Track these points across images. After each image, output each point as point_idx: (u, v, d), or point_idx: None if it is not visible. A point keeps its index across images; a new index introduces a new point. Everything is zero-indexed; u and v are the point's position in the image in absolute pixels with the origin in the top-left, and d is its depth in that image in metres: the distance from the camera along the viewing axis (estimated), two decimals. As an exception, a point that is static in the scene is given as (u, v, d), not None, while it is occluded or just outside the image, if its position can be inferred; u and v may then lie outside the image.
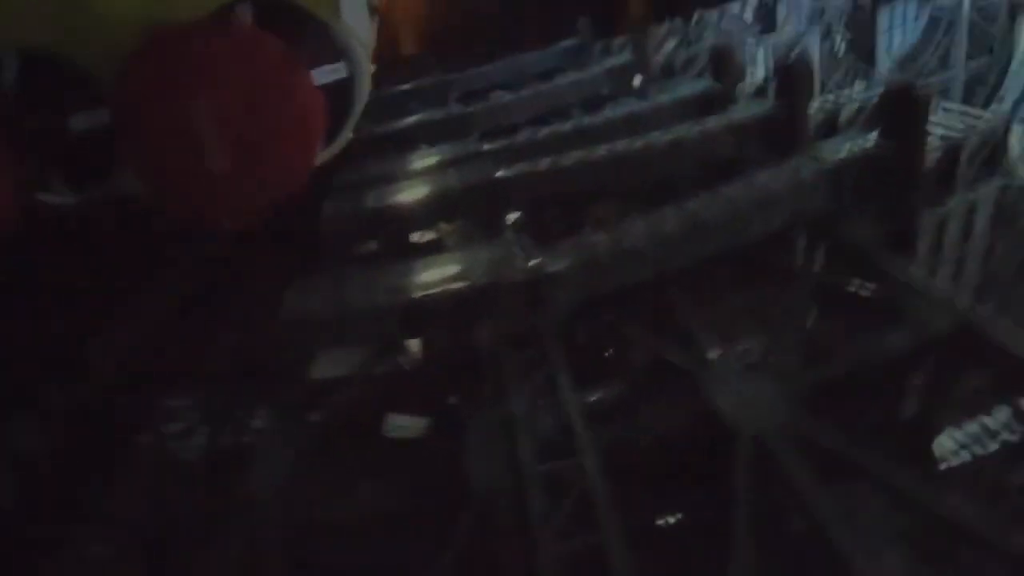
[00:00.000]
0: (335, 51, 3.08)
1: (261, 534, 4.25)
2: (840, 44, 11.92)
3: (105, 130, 2.86)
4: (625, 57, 13.12)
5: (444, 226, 8.33)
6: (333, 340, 5.62)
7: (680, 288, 6.18)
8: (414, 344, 6.00)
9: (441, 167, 8.99)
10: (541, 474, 4.02)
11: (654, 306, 5.69)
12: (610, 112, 10.44)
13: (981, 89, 8.74)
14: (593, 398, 5.45)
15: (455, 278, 6.29)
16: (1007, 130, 7.46)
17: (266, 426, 5.03)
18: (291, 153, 2.81)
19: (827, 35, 12.14)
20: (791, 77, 10.05)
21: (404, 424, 5.22)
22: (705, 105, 11.71)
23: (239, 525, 4.29)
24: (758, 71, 12.78)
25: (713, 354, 5.12)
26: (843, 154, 7.82)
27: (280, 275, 5.12)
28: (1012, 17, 8.68)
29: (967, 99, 8.75)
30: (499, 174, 8.55)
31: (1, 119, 2.61)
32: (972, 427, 5.26)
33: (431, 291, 6.12)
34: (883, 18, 11.06)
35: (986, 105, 8.16)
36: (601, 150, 9.35)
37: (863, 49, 11.13)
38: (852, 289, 5.94)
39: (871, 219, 6.63)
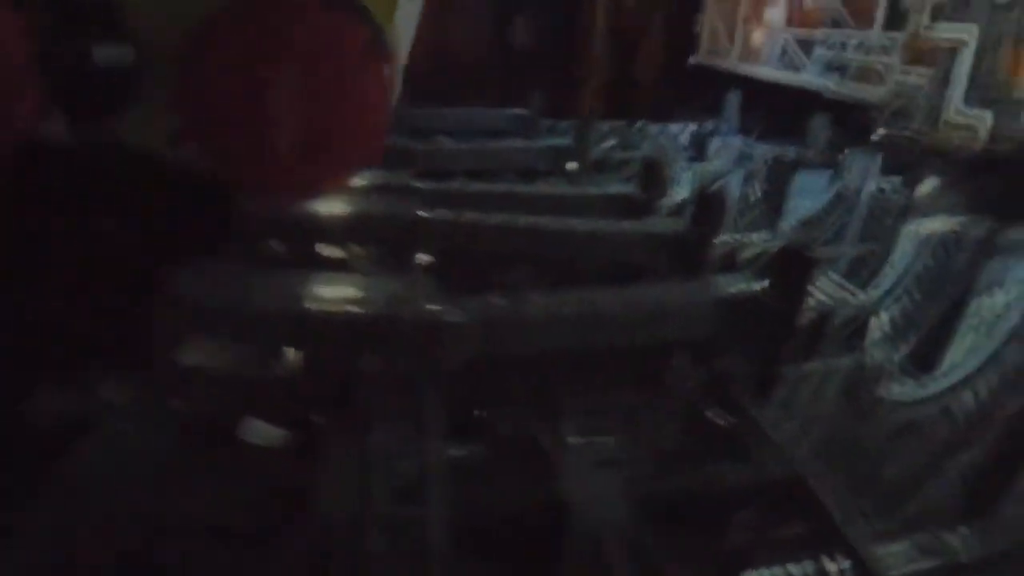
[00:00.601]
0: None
1: (73, 515, 4.04)
2: (757, 192, 12.99)
3: (126, 68, 2.78)
4: (567, 141, 13.74)
5: (355, 248, 8.33)
6: (212, 330, 5.50)
7: (562, 371, 6.44)
8: (294, 354, 5.93)
9: (367, 191, 9.04)
10: (385, 515, 4.07)
11: (534, 381, 5.90)
12: (540, 187, 10.89)
13: (863, 271, 9.73)
14: (455, 455, 5.54)
15: (352, 301, 6.30)
16: (872, 314, 8.35)
17: (116, 399, 4.81)
18: (364, 133, 2.76)
19: (748, 180, 13.22)
20: (709, 205, 10.83)
21: (262, 431, 5.12)
22: (626, 208, 12.39)
23: (52, 500, 4.07)
24: (681, 192, 13.70)
25: (574, 441, 5.36)
26: (735, 290, 8.47)
27: (180, 255, 4.99)
28: (900, 216, 9.81)
29: (849, 275, 9.71)
30: (421, 214, 8.70)
31: (24, 34, 2.46)
32: (777, 572, 5.69)
33: (324, 307, 6.10)
34: (797, 180, 12.18)
35: (863, 286, 9.12)
36: (522, 220, 9.71)
37: (774, 203, 12.18)
38: (712, 416, 6.37)
39: (743, 357, 7.18)
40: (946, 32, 9.21)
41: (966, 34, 8.78)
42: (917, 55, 9.97)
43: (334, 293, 6.35)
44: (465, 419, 6.37)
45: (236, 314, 5.43)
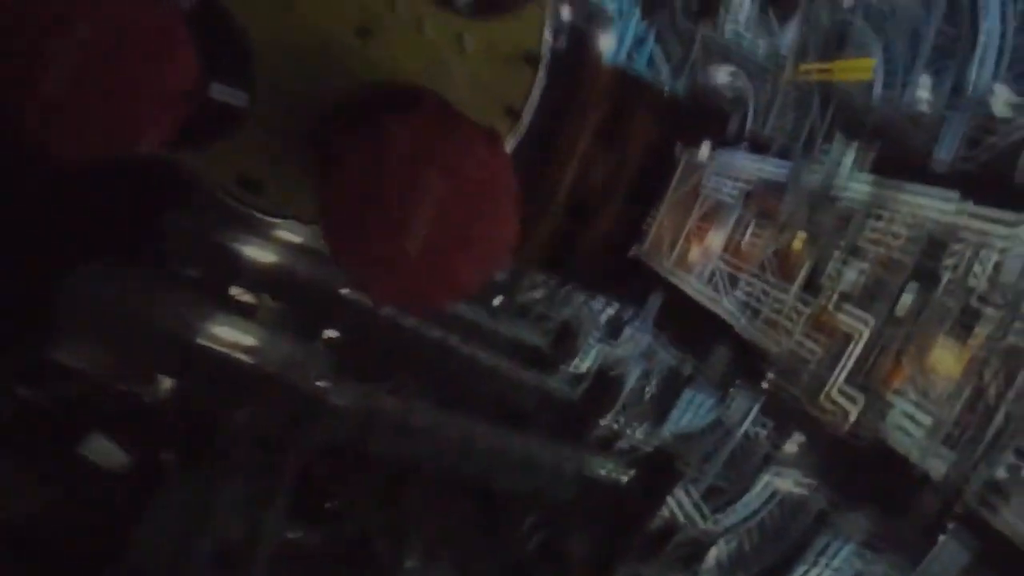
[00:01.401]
0: None
1: None
2: (650, 390, 13.66)
3: (235, 109, 2.90)
4: (501, 276, 14.22)
5: (267, 300, 8.29)
6: (96, 332, 5.30)
7: (421, 487, 6.45)
8: (166, 384, 5.77)
9: (299, 250, 9.08)
10: (205, 564, 3.92)
11: (394, 489, 5.89)
12: (462, 308, 11.15)
13: (718, 499, 10.24)
14: (292, 536, 5.39)
15: (245, 349, 6.24)
16: (712, 544, 8.75)
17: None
18: (497, 242, 2.75)
19: (645, 376, 13.91)
20: (605, 387, 11.32)
21: (105, 450, 4.86)
22: (533, 359, 12.76)
23: None
24: (584, 363, 14.27)
25: (411, 565, 5.32)
26: (603, 472, 8.78)
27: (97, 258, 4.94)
28: (763, 462, 10.52)
29: (704, 498, 10.18)
30: (343, 291, 8.80)
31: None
32: None
33: (215, 345, 6.02)
34: (686, 396, 12.94)
35: (714, 513, 9.59)
36: (435, 332, 9.90)
37: (661, 407, 12.82)
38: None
39: (586, 537, 7.35)
40: (847, 319, 10.35)
41: (863, 327, 9.89)
42: (819, 327, 11.08)
43: (231, 336, 6.29)
44: (315, 505, 6.22)
45: (124, 323, 5.30)
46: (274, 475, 5.06)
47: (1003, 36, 8.46)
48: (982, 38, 8.50)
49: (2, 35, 2.36)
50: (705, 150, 16.45)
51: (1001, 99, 8.65)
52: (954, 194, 8.88)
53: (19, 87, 2.38)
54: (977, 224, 8.39)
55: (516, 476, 7.44)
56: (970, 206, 8.54)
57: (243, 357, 5.97)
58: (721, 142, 16.32)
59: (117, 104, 2.46)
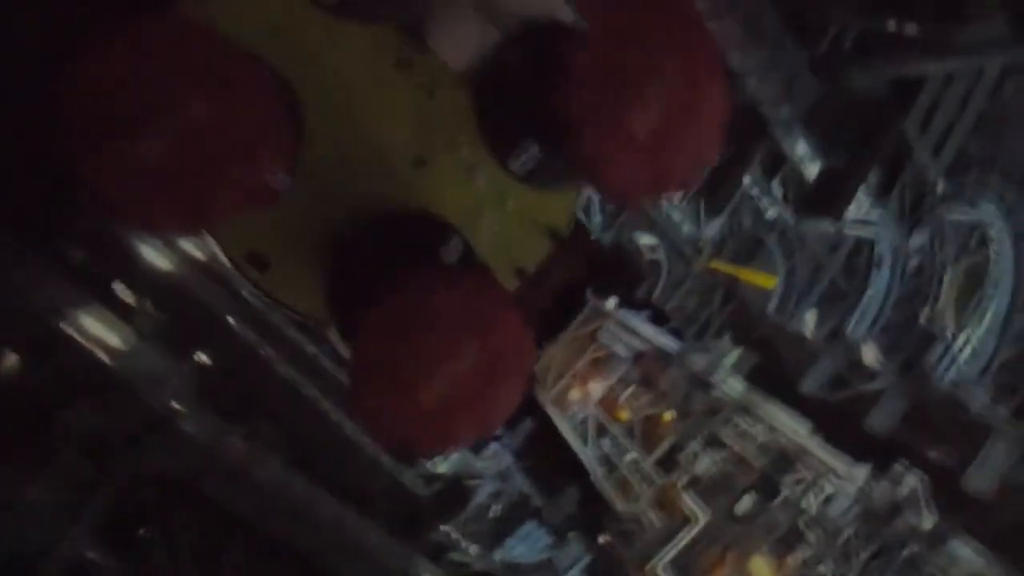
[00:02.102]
0: None
1: None
2: (495, 511, 13.50)
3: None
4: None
5: (148, 305, 7.88)
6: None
7: (242, 543, 6.11)
8: (11, 360, 5.33)
9: (197, 266, 8.74)
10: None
11: (215, 536, 5.53)
12: (341, 374, 10.87)
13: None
14: (91, 555, 4.94)
15: (110, 350, 5.90)
16: None
17: None
18: (508, 396, 2.66)
19: (495, 495, 13.76)
20: (456, 496, 11.10)
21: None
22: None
23: None
24: (443, 465, 14.02)
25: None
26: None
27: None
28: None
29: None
30: (229, 320, 8.47)
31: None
32: None
33: (78, 336, 5.67)
34: (527, 527, 12.88)
35: None
36: (306, 389, 9.58)
37: (501, 531, 12.68)
38: None
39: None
40: (690, 502, 10.73)
41: (701, 515, 10.27)
42: (664, 502, 11.42)
43: (97, 331, 5.92)
44: (128, 530, 5.72)
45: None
46: (93, 487, 4.68)
47: (883, 305, 9.51)
48: (866, 299, 9.51)
49: (104, 91, 2.22)
50: (612, 303, 17.14)
51: (870, 353, 9.58)
52: (809, 422, 9.58)
53: (106, 147, 2.25)
54: (822, 455, 9.05)
55: (345, 560, 7.14)
56: (820, 438, 9.22)
57: (103, 356, 5.60)
58: (628, 301, 17.05)
59: (201, 190, 2.36)
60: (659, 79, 2.58)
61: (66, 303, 5.66)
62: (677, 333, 14.44)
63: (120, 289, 7.63)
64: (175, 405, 6.12)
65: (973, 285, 9.25)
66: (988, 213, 8.55)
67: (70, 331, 5.51)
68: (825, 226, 9.53)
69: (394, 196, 3.09)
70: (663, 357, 13.93)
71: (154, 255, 7.95)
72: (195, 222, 2.45)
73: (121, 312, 7.36)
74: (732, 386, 11.93)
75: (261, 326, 9.18)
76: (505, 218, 3.31)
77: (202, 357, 8.78)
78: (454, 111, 3.12)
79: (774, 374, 11.20)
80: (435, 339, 2.51)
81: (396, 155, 3.08)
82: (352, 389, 2.54)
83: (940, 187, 8.39)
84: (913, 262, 9.54)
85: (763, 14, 7.38)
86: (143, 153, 2.21)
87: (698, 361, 12.59)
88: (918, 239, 9.17)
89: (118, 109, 2.19)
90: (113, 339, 6.04)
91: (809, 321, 11.10)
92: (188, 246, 9.30)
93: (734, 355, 11.93)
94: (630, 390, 14.78)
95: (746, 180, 13.04)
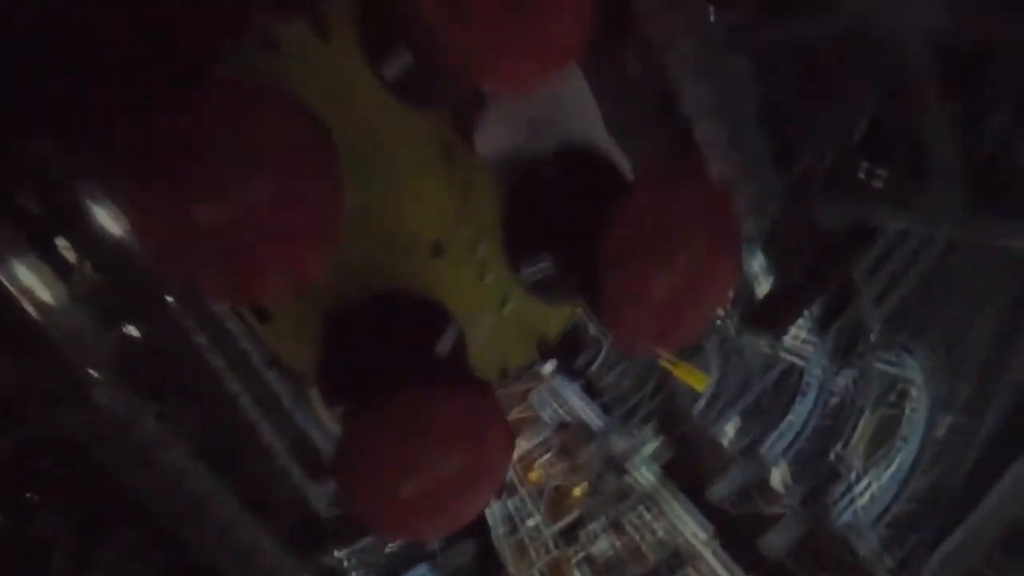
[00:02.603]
0: None
1: None
2: (392, 547, 13.19)
3: None
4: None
5: (88, 268, 7.63)
6: None
7: (130, 525, 5.89)
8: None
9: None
10: None
11: (105, 513, 5.30)
12: (270, 376, 10.63)
13: None
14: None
15: (38, 304, 5.72)
16: None
17: None
18: (475, 503, 2.75)
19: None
20: (353, 524, 10.74)
21: None
22: (309, 459, 12.11)
23: None
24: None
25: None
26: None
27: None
28: None
29: None
30: (168, 298, 8.25)
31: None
32: None
33: (8, 283, 5.49)
34: (418, 569, 12.64)
35: None
36: (231, 384, 9.30)
37: (392, 567, 12.40)
38: None
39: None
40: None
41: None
42: (555, 573, 11.34)
43: (29, 282, 5.72)
44: (13, 491, 5.42)
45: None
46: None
47: (800, 432, 9.76)
48: (786, 423, 9.76)
49: (173, 153, 2.18)
50: (549, 366, 17.23)
51: (778, 476, 9.78)
52: (709, 527, 9.69)
53: (167, 211, 2.21)
54: (714, 564, 9.13)
55: (231, 563, 6.86)
56: (716, 546, 9.31)
57: (29, 308, 5.39)
58: (565, 368, 17.14)
59: (248, 272, 2.35)
60: (685, 252, 2.72)
61: (3, 248, 5.46)
62: (605, 410, 14.54)
63: (63, 246, 7.37)
64: (93, 372, 5.88)
65: (885, 435, 9.58)
66: (912, 371, 8.92)
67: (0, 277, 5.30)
68: (763, 344, 9.78)
69: (405, 277, 3.10)
70: (586, 431, 13.98)
71: (106, 218, 7.70)
72: (242, 296, 2.50)
73: (59, 269, 7.11)
74: (645, 475, 12.01)
75: (200, 312, 8.94)
76: (502, 319, 3.36)
77: (131, 330, 8.50)
78: (482, 210, 3.17)
79: (687, 473, 11.32)
80: (425, 445, 2.54)
81: (419, 239, 3.09)
82: (336, 461, 2.58)
83: (874, 335, 8.73)
84: (835, 399, 9.86)
85: (749, 125, 7.65)
86: (203, 220, 2.16)
87: (618, 444, 12.67)
88: (844, 379, 9.51)
89: (184, 173, 2.14)
90: (44, 294, 5.82)
91: (729, 430, 11.32)
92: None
93: (654, 445, 12.05)
94: (547, 456, 14.76)
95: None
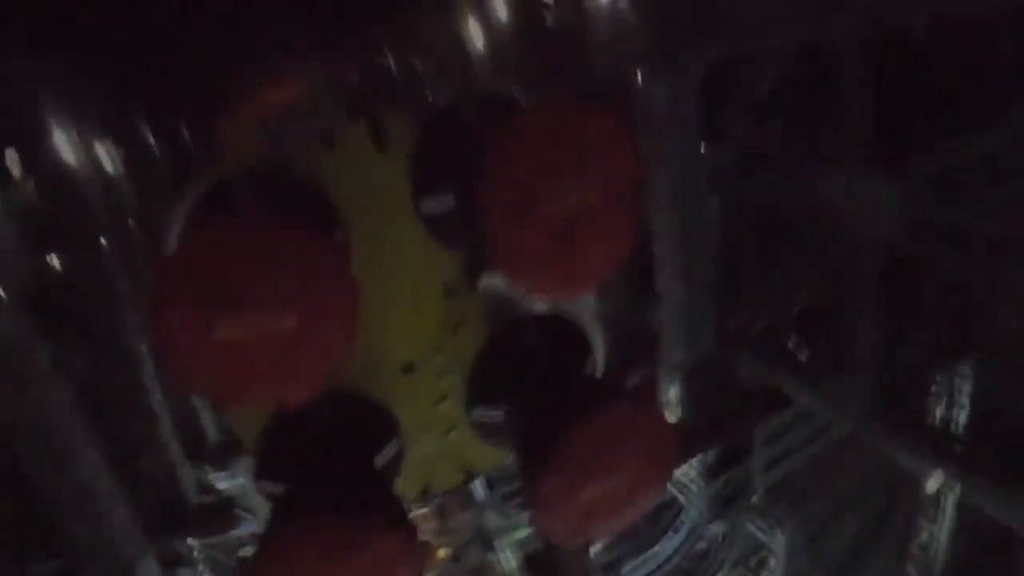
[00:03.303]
0: None
1: None
2: (246, 552, 12.59)
3: None
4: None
5: (30, 185, 7.38)
6: None
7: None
8: None
9: (105, 178, 8.32)
10: None
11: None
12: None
13: None
14: None
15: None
16: None
17: None
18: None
19: (252, 538, 12.89)
20: (221, 514, 10.20)
21: None
22: (192, 440, 11.62)
23: None
24: (228, 482, 13.14)
25: None
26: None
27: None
28: None
29: None
30: (102, 241, 7.98)
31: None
32: None
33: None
34: None
35: None
36: (137, 344, 8.95)
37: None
38: None
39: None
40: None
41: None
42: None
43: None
44: None
45: None
46: None
47: (663, 564, 9.79)
48: (651, 552, 9.77)
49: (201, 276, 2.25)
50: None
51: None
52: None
53: (194, 330, 2.28)
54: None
55: (75, 522, 6.54)
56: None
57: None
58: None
59: (274, 382, 2.43)
60: (618, 472, 2.81)
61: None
62: (490, 484, 14.33)
63: (10, 155, 7.11)
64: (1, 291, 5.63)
65: (738, 596, 9.67)
66: (777, 544, 9.05)
67: None
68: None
69: (371, 383, 3.19)
70: (467, 499, 13.72)
71: (69, 145, 7.46)
72: (256, 404, 2.60)
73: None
74: (508, 558, 11.78)
75: (130, 264, 8.64)
76: (441, 445, 3.47)
77: (53, 260, 8.17)
78: (462, 348, 3.33)
79: (546, 570, 11.15)
80: (337, 552, 2.54)
81: (395, 354, 3.21)
82: (260, 546, 2.67)
83: (756, 498, 8.85)
84: (702, 545, 9.91)
85: (703, 261, 7.85)
86: (227, 338, 2.23)
87: (493, 520, 12.44)
88: (715, 529, 9.59)
89: (212, 296, 2.19)
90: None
91: (599, 543, 11.25)
92: (103, 156, 8.85)
93: (525, 532, 11.86)
94: (423, 511, 14.42)
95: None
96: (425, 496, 3.69)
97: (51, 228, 7.52)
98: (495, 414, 3.30)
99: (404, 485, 3.39)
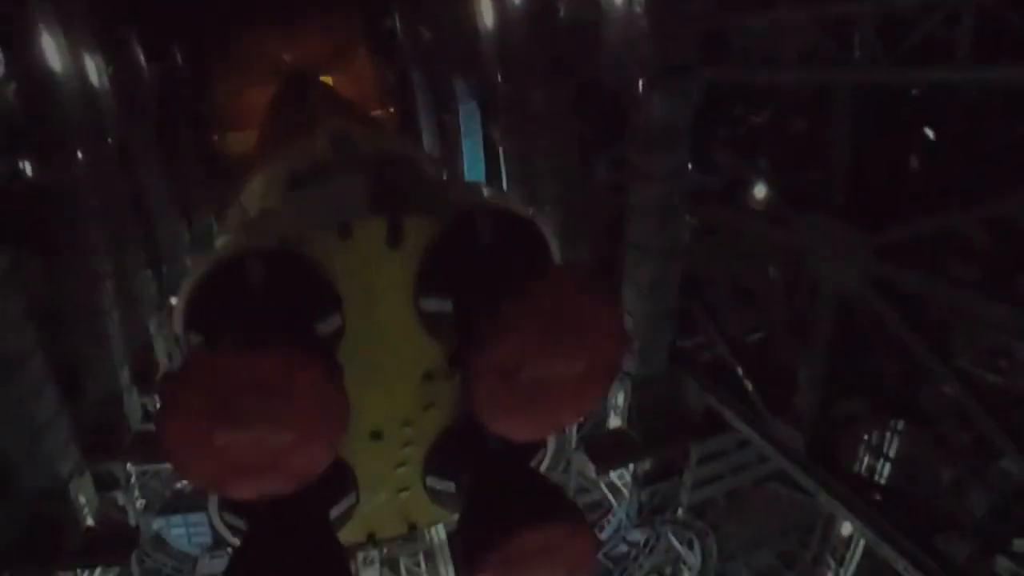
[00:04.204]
0: None
1: None
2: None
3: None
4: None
5: (11, 88, 7.08)
6: None
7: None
8: None
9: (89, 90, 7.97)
10: None
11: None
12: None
13: None
14: None
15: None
16: None
17: None
18: None
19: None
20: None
21: None
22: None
23: None
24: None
25: None
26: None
27: None
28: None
29: None
30: (79, 152, 7.70)
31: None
32: None
33: None
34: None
35: None
36: (105, 265, 8.69)
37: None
38: None
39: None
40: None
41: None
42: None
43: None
44: None
45: None
46: None
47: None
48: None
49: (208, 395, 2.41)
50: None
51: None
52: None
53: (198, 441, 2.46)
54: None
55: (15, 435, 6.57)
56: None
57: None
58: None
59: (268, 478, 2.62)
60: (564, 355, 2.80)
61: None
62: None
63: (-1, 59, 6.76)
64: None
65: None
66: (693, 559, 9.13)
67: None
68: (591, 470, 9.87)
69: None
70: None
71: (54, 50, 7.08)
72: (247, 496, 2.67)
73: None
74: (439, 532, 11.73)
75: (103, 181, 8.31)
76: (392, 501, 3.66)
77: (26, 166, 7.85)
78: (429, 424, 3.48)
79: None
80: None
81: (366, 422, 3.34)
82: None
83: (681, 512, 8.90)
84: (623, 547, 9.98)
85: (667, 280, 7.82)
86: (225, 447, 2.45)
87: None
88: (637, 535, 9.65)
89: (218, 414, 2.39)
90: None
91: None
92: (90, 66, 8.46)
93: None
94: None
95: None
96: (370, 541, 3.85)
97: (28, 133, 7.19)
98: (447, 484, 3.50)
99: (349, 533, 3.58)
